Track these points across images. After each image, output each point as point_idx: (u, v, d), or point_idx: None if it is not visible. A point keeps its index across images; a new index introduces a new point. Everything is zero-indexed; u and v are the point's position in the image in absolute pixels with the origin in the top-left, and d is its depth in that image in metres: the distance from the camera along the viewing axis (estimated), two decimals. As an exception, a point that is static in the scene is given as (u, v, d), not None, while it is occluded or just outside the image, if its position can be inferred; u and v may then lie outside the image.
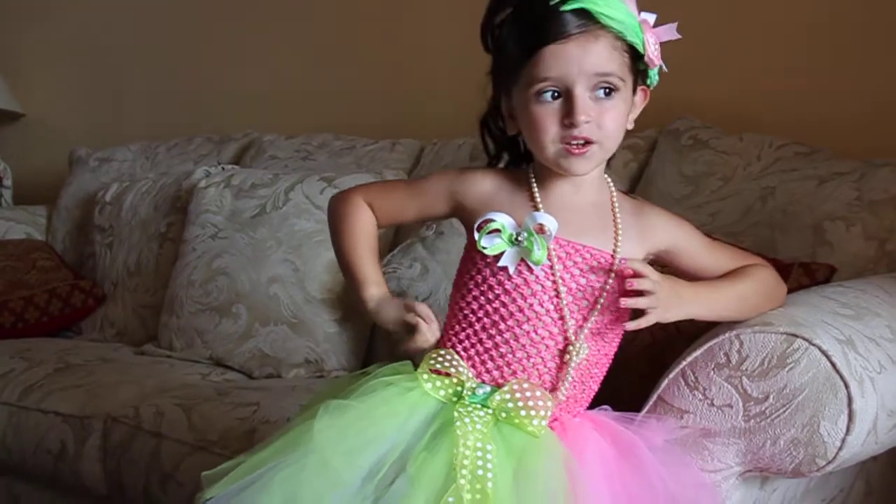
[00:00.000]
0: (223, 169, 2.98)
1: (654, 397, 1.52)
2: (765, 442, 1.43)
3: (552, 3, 1.36)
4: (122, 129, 3.85)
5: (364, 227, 1.53)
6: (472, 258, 1.46)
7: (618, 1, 1.39)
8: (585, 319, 1.43)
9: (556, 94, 1.39)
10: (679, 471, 1.42)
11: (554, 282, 1.42)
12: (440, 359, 1.44)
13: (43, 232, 3.52)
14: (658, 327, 1.64)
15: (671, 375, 1.50)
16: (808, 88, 2.45)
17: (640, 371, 1.81)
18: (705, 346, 1.47)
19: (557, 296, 1.41)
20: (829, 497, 1.73)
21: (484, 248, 1.41)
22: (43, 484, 2.42)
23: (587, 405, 1.49)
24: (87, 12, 4.03)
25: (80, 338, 3.08)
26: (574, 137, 1.38)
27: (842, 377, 1.39)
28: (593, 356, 1.45)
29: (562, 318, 1.42)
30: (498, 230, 1.41)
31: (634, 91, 1.46)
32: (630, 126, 1.47)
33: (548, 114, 1.39)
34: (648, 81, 1.48)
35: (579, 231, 1.44)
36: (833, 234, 2.01)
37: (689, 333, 1.60)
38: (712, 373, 1.46)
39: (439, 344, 1.46)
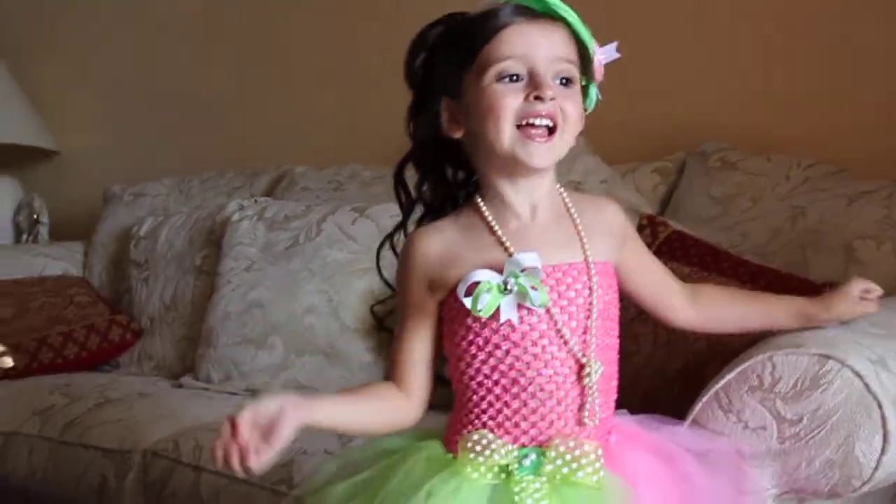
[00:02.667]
0: (256, 202, 3.00)
1: (689, 420, 1.52)
2: (800, 464, 1.43)
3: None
4: (156, 164, 3.88)
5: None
6: (463, 324, 1.38)
7: (569, 8, 1.39)
8: (589, 335, 1.37)
9: (516, 77, 1.36)
10: (719, 474, 1.40)
11: (550, 314, 1.36)
12: (474, 445, 1.35)
13: (80, 268, 3.56)
14: (690, 352, 1.66)
15: (704, 399, 1.50)
16: (834, 106, 2.46)
17: (674, 395, 1.82)
18: (738, 369, 1.48)
19: (557, 327, 1.35)
20: (867, 517, 1.73)
21: (480, 311, 1.32)
22: (85, 518, 2.44)
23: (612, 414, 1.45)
24: (119, 50, 4.08)
25: (119, 372, 3.11)
26: (538, 114, 1.34)
27: (875, 397, 1.39)
28: (608, 370, 1.40)
29: (567, 344, 1.36)
30: (477, 283, 1.33)
31: None
32: (572, 142, 1.44)
33: (509, 91, 1.35)
34: (587, 101, 1.45)
35: (551, 251, 1.38)
36: (864, 252, 2.01)
37: (722, 356, 1.60)
38: (745, 395, 1.46)
39: (465, 423, 1.39)
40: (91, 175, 4.08)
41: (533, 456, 1.35)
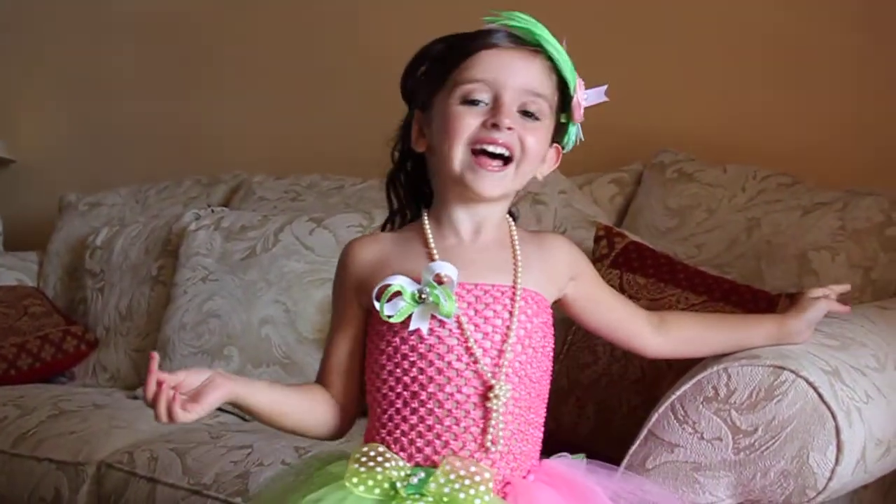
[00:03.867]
0: (213, 211, 2.99)
1: (645, 431, 1.52)
2: (755, 474, 1.44)
3: (496, 22, 1.38)
4: (112, 173, 3.85)
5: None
6: (379, 332, 1.38)
7: (557, 42, 1.39)
8: (500, 357, 1.35)
9: (481, 102, 1.36)
10: None
11: (462, 330, 1.35)
12: (364, 458, 1.34)
13: (34, 278, 3.52)
14: (647, 362, 1.67)
15: (661, 409, 1.51)
16: (788, 116, 2.48)
17: (631, 404, 1.83)
18: (694, 380, 1.49)
19: (468, 344, 1.34)
20: (822, 526, 1.74)
21: (389, 316, 1.32)
22: (38, 531, 2.41)
23: (537, 456, 1.43)
24: (75, 58, 4.04)
25: (73, 383, 3.07)
26: (493, 141, 1.34)
27: (829, 408, 1.40)
28: (524, 400, 1.38)
29: (476, 362, 1.34)
30: (398, 293, 1.33)
31: (551, 143, 1.44)
32: (540, 178, 1.45)
33: (469, 114, 1.36)
34: (565, 139, 1.46)
35: (480, 271, 1.39)
36: (818, 263, 2.03)
37: (678, 367, 1.61)
38: (701, 406, 1.47)
39: (368, 439, 1.39)
40: (46, 184, 4.04)
41: (422, 474, 1.32)
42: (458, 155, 1.36)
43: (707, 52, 2.61)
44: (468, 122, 1.36)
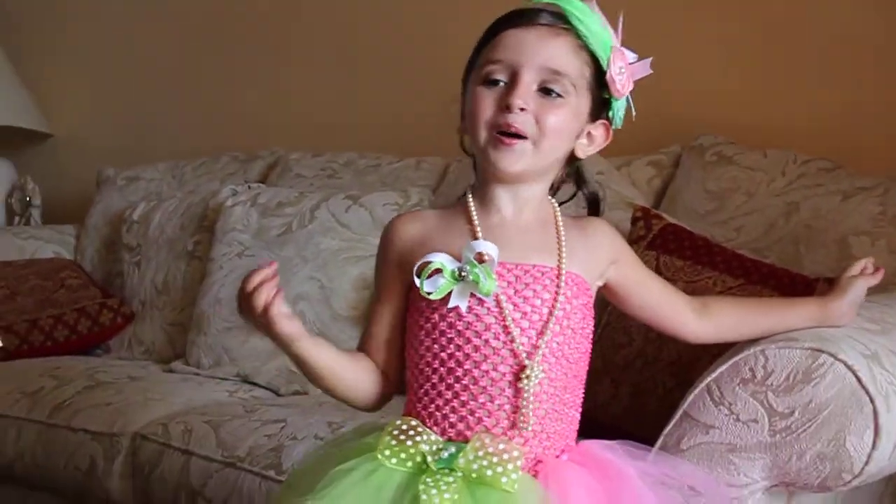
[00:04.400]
0: (249, 187, 3.00)
1: (680, 412, 1.52)
2: (791, 456, 1.43)
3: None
4: (150, 148, 3.87)
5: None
6: (419, 308, 1.39)
7: (594, 14, 1.38)
8: (540, 338, 1.36)
9: (502, 82, 1.37)
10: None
11: (501, 309, 1.35)
12: (397, 431, 1.35)
13: (71, 251, 3.55)
14: (683, 344, 1.66)
15: (696, 391, 1.50)
16: (830, 102, 2.46)
17: (666, 386, 1.82)
18: (731, 362, 1.48)
19: (505, 322, 1.35)
20: (857, 512, 1.73)
21: (429, 293, 1.33)
22: (73, 501, 2.43)
23: (573, 437, 1.42)
24: (113, 33, 4.06)
25: (109, 356, 3.10)
26: (506, 124, 1.35)
27: (867, 392, 1.39)
28: (560, 380, 1.38)
29: (513, 342, 1.35)
30: (439, 270, 1.33)
31: (594, 119, 1.43)
32: (581, 155, 1.44)
33: (487, 96, 1.37)
34: (611, 113, 1.44)
35: (523, 251, 1.38)
36: (858, 248, 2.01)
37: (714, 350, 1.60)
38: (738, 388, 1.46)
39: (406, 413, 1.40)
40: (84, 158, 4.06)
41: (452, 449, 1.33)
42: (482, 136, 1.37)
43: (748, 36, 2.59)
44: (486, 105, 1.36)
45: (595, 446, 1.42)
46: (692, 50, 2.65)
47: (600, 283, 1.49)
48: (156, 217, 3.19)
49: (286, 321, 1.33)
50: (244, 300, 1.32)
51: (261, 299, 1.31)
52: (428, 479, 1.30)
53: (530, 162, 1.38)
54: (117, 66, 4.07)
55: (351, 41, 3.42)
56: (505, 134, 1.36)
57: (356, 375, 1.44)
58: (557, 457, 1.39)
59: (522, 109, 1.35)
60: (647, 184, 2.47)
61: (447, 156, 2.95)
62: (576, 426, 1.43)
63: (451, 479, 1.29)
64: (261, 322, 1.33)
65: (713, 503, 1.42)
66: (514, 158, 1.37)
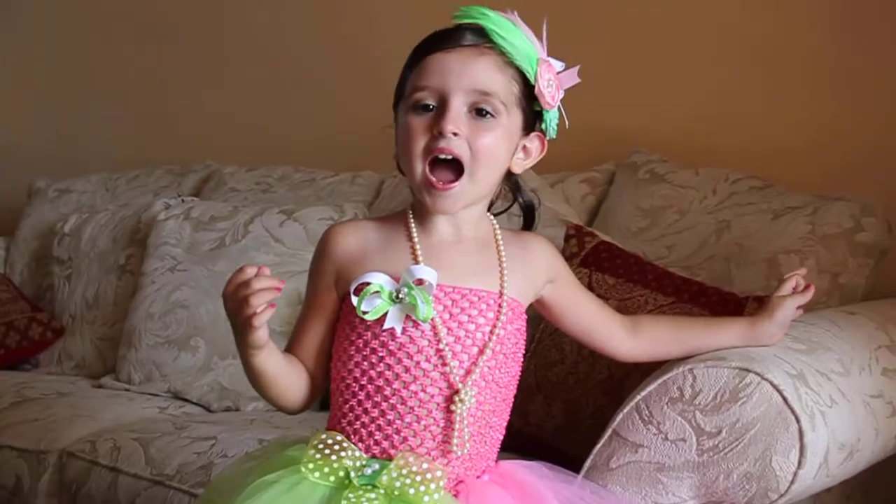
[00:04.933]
0: (183, 201, 2.97)
1: (609, 431, 1.52)
2: (718, 476, 1.44)
3: (453, 18, 1.38)
4: (83, 160, 3.82)
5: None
6: (351, 323, 1.38)
7: (517, 29, 1.38)
8: (474, 365, 1.37)
9: (432, 106, 1.36)
10: None
11: (436, 332, 1.35)
12: (321, 445, 1.36)
13: (1, 264, 3.49)
14: (614, 361, 1.66)
15: (626, 409, 1.51)
16: (762, 119, 2.48)
17: (598, 403, 1.83)
18: (659, 381, 1.49)
19: (439, 346, 1.35)
20: (784, 529, 1.74)
21: (365, 312, 1.33)
22: (-2, 519, 2.39)
23: (494, 457, 1.44)
24: (46, 43, 4.01)
25: (38, 371, 3.05)
26: (440, 150, 1.34)
27: (793, 411, 1.40)
28: (489, 404, 1.39)
29: (445, 365, 1.35)
30: (377, 291, 1.33)
31: (528, 132, 1.43)
32: (517, 171, 1.45)
33: (419, 124, 1.36)
34: (544, 125, 1.44)
35: (463, 274, 1.39)
36: (787, 267, 2.03)
37: (644, 367, 1.61)
38: (666, 407, 1.47)
39: (329, 427, 1.41)
40: (15, 170, 4.00)
41: (376, 466, 1.34)
42: (417, 169, 1.37)
43: (683, 54, 2.61)
44: (418, 133, 1.36)
45: (514, 467, 1.43)
46: (627, 67, 2.67)
47: (534, 300, 1.49)
48: (87, 230, 3.14)
49: (263, 331, 1.32)
50: (238, 292, 1.30)
51: (256, 303, 1.29)
52: (350, 495, 1.31)
53: (469, 195, 1.38)
54: (50, 77, 4.02)
55: (286, 55, 3.40)
56: (440, 163, 1.35)
57: (291, 382, 1.43)
58: (479, 477, 1.40)
59: (455, 134, 1.34)
60: (581, 201, 2.48)
61: (383, 171, 2.94)
62: (498, 447, 1.44)
63: (372, 495, 1.31)
64: (240, 321, 1.31)
65: None
66: (451, 202, 1.37)
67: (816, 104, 2.43)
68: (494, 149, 1.37)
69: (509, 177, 1.47)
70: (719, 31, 2.56)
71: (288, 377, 1.42)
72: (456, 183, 1.35)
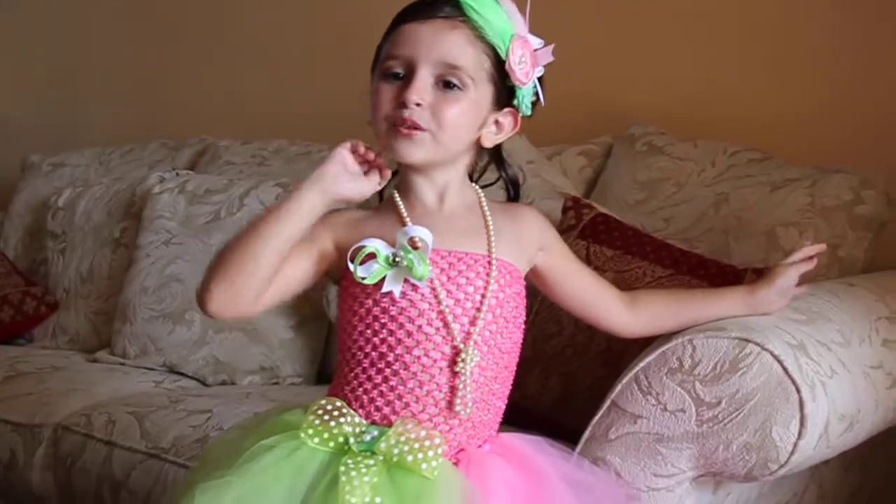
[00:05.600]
0: (177, 174, 2.95)
1: (608, 402, 1.52)
2: (717, 446, 1.44)
3: None
4: (77, 134, 3.80)
5: None
6: (353, 293, 1.39)
7: (495, 4, 1.39)
8: (473, 326, 1.37)
9: (400, 75, 1.38)
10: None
11: (436, 295, 1.36)
12: (321, 411, 1.36)
13: (-5, 239, 3.48)
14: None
15: (624, 380, 1.50)
16: (762, 92, 2.47)
17: (596, 375, 1.82)
18: (658, 351, 1.48)
19: (440, 308, 1.36)
20: (783, 501, 1.74)
21: (362, 278, 1.33)
22: (-7, 493, 2.39)
23: (496, 427, 1.44)
24: (41, 18, 3.99)
25: (32, 345, 3.04)
26: (402, 119, 1.35)
27: (793, 381, 1.40)
28: (491, 369, 1.39)
29: (447, 327, 1.36)
30: (373, 255, 1.34)
31: (500, 107, 1.43)
32: (487, 145, 1.45)
33: (387, 91, 1.38)
34: (516, 102, 1.44)
35: (455, 238, 1.40)
36: (786, 239, 2.02)
37: (643, 340, 1.60)
38: (665, 377, 1.46)
39: (331, 394, 1.40)
40: (9, 144, 3.98)
41: (375, 433, 1.34)
42: (381, 126, 1.39)
43: (681, 26, 2.59)
44: (385, 99, 1.38)
45: (515, 439, 1.44)
46: (625, 39, 2.65)
47: (529, 269, 1.50)
48: (81, 204, 3.13)
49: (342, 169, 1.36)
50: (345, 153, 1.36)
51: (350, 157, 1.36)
52: (349, 461, 1.30)
53: (430, 152, 1.39)
54: (44, 52, 4.00)
55: (281, 27, 3.38)
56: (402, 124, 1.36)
57: (270, 273, 1.35)
58: (479, 447, 1.40)
59: (418, 105, 1.36)
60: (579, 173, 2.46)
61: (377, 144, 2.92)
62: (500, 418, 1.45)
63: (371, 461, 1.31)
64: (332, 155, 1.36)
65: None
66: (413, 148, 1.37)
67: (816, 77, 2.42)
68: (458, 119, 1.38)
69: (493, 150, 1.48)
70: (718, 2, 2.54)
71: (280, 262, 1.36)
72: (418, 131, 1.36)
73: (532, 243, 1.49)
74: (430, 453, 1.31)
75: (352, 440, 1.33)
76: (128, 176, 3.23)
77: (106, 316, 2.91)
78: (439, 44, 1.37)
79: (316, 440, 1.34)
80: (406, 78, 1.37)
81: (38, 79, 4.04)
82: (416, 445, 1.31)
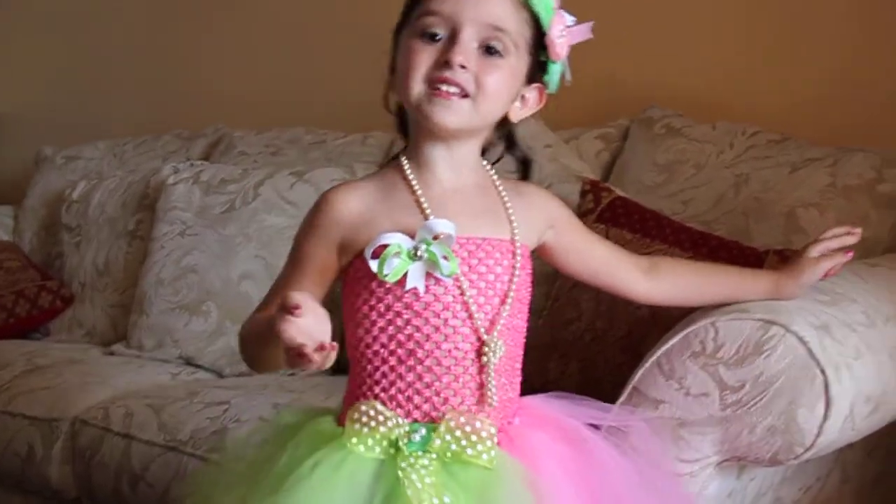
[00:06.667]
0: (192, 165, 2.94)
1: (630, 387, 1.50)
2: (742, 430, 1.42)
3: None
4: (90, 127, 3.80)
5: None
6: (367, 287, 1.32)
7: None
8: (497, 315, 1.33)
9: (439, 36, 1.31)
10: (633, 454, 1.38)
11: (460, 286, 1.31)
12: (364, 418, 1.30)
13: (9, 232, 3.47)
14: (633, 319, 1.63)
15: (646, 365, 1.48)
16: (780, 72, 2.44)
17: (616, 361, 1.80)
18: (681, 335, 1.46)
19: (464, 299, 1.31)
20: (807, 485, 1.71)
21: (386, 275, 1.27)
22: (11, 487, 2.38)
23: (518, 398, 1.40)
24: (54, 10, 3.98)
25: (49, 339, 3.04)
26: (445, 80, 1.29)
27: (818, 363, 1.37)
28: (511, 351, 1.36)
29: (471, 318, 1.31)
30: (396, 252, 1.27)
31: (529, 82, 1.38)
32: (515, 119, 1.39)
33: (424, 50, 1.30)
34: (546, 77, 1.39)
35: (472, 222, 1.34)
36: (807, 220, 2.00)
37: (665, 323, 1.58)
38: (688, 361, 1.44)
39: (357, 396, 1.34)
40: (23, 137, 3.99)
41: (423, 431, 1.29)
42: (416, 88, 1.31)
43: (698, 7, 2.57)
44: (422, 58, 1.30)
45: (540, 401, 1.41)
46: (642, 21, 2.63)
47: (537, 246, 1.46)
48: (96, 196, 3.12)
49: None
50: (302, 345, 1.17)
51: (314, 361, 1.16)
52: (403, 464, 1.26)
53: (467, 119, 1.32)
54: (57, 44, 3.99)
55: (295, 16, 3.37)
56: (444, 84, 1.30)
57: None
58: (510, 422, 1.36)
59: (463, 67, 1.29)
60: (596, 157, 2.44)
61: (393, 132, 2.89)
62: (519, 389, 1.40)
63: (426, 461, 1.26)
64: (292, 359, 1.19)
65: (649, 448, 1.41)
66: (449, 112, 1.30)
67: (834, 56, 2.39)
68: (500, 87, 1.32)
69: (504, 127, 1.42)
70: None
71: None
72: (463, 98, 1.30)
73: (541, 220, 1.44)
74: (488, 443, 1.28)
75: (401, 442, 1.28)
76: (142, 167, 3.22)
77: (122, 308, 2.91)
78: (486, 4, 1.30)
79: (361, 448, 1.28)
80: (449, 40, 1.30)
81: (51, 71, 4.03)
82: (474, 438, 1.27)
